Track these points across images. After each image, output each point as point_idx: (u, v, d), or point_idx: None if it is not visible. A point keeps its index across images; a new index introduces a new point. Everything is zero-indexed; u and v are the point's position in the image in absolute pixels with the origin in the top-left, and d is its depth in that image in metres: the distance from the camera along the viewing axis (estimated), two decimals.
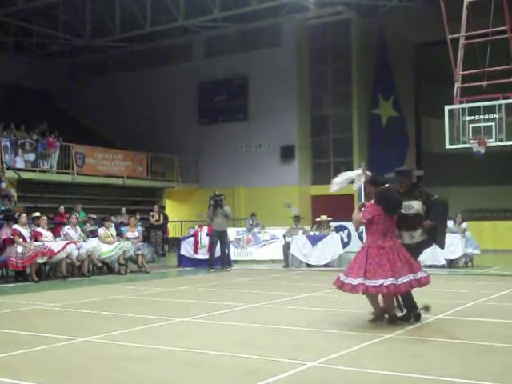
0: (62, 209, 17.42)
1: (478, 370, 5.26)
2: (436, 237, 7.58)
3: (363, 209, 7.45)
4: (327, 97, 26.81)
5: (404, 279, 6.97)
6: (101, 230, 14.94)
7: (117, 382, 5.08)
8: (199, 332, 7.16)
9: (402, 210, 7.41)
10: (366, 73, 25.99)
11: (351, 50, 26.00)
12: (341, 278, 7.25)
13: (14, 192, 18.59)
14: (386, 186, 7.58)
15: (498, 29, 17.11)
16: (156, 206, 21.86)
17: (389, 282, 6.91)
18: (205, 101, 28.04)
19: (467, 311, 8.29)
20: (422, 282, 7.19)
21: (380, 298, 7.29)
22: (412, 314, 7.42)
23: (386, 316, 7.32)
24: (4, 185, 18.58)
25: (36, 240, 13.40)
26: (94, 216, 16.66)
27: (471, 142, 16.52)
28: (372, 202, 7.44)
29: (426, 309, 7.57)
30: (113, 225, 15.71)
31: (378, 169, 25.66)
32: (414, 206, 7.47)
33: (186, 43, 28.81)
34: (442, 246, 7.86)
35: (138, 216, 19.25)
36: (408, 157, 25.48)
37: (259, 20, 26.29)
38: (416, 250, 7.57)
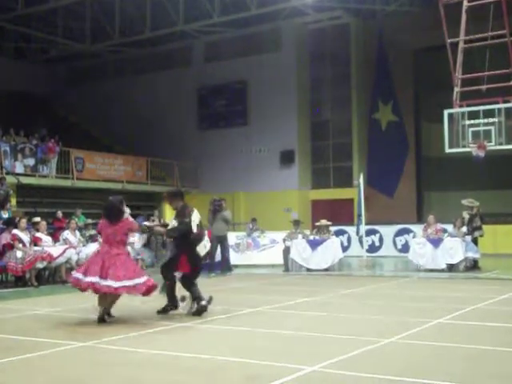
0: (59, 214, 17.37)
1: (478, 374, 5.25)
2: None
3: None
4: (327, 101, 26.83)
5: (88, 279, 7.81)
6: None
7: None
8: (199, 337, 7.14)
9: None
10: (365, 77, 26.01)
11: (350, 54, 26.05)
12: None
13: (11, 191, 18.42)
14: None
15: (497, 33, 17.11)
16: (156, 211, 21.79)
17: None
18: (204, 106, 28.04)
19: (467, 315, 8.27)
20: (134, 289, 7.90)
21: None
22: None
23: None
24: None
25: (35, 245, 13.38)
26: (89, 220, 16.58)
27: (471, 145, 16.50)
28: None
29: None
30: None
31: (377, 173, 25.86)
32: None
33: (186, 48, 28.82)
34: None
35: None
36: (407, 161, 25.49)
37: (259, 25, 26.32)
38: None
